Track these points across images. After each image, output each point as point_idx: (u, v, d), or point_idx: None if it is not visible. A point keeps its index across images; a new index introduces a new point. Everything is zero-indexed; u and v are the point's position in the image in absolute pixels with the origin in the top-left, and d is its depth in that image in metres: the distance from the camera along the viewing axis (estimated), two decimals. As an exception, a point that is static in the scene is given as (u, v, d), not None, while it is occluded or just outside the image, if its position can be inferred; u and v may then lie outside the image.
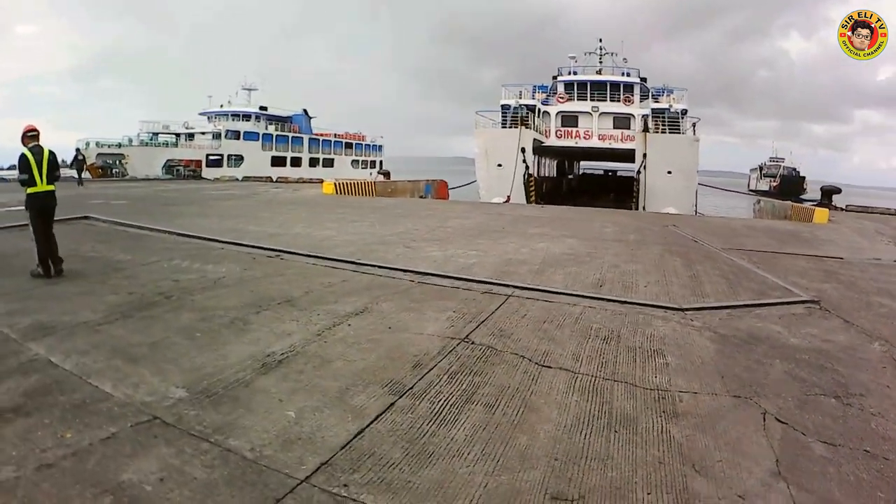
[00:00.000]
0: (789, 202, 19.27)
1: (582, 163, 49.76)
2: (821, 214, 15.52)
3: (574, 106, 33.78)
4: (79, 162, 24.28)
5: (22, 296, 5.76)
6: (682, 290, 6.52)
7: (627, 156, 34.73)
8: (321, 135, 58.22)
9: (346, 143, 62.38)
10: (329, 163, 58.75)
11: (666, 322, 5.23)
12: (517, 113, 30.87)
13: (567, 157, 39.50)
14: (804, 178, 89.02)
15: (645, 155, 25.45)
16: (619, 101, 33.74)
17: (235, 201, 16.38)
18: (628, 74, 36.54)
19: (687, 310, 5.65)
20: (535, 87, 38.43)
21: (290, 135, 53.18)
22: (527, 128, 27.54)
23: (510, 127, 29.70)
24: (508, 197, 25.64)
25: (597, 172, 51.99)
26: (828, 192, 21.02)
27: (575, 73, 36.71)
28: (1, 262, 7.15)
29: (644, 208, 24.67)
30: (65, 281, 6.31)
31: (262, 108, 50.77)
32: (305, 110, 56.04)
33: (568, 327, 4.92)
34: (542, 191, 31.09)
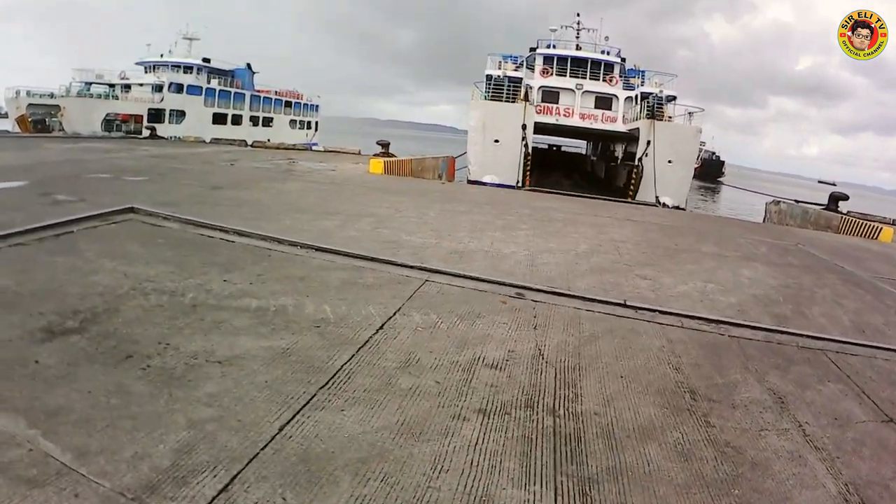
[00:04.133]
0: (833, 212, 16.79)
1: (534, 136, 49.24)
2: (887, 233, 14.17)
3: (557, 81, 32.54)
4: None
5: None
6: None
7: (611, 137, 34.65)
8: (262, 92, 53.81)
9: (286, 101, 58.20)
10: (268, 122, 54.75)
11: None
12: (501, 84, 29.03)
13: (547, 134, 38.54)
14: (724, 162, 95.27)
15: (649, 142, 25.59)
16: (598, 79, 33.07)
17: (292, 182, 12.82)
18: (608, 53, 36.22)
19: None
20: (504, 56, 37.28)
21: (233, 90, 48.58)
22: (530, 103, 26.71)
23: (493, 99, 28.21)
24: (526, 179, 24.84)
25: (541, 146, 51.58)
26: (836, 199, 17.63)
27: (554, 47, 35.87)
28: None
29: (658, 199, 24.51)
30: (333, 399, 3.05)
31: (205, 59, 45.47)
32: (249, 65, 51.30)
33: None
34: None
